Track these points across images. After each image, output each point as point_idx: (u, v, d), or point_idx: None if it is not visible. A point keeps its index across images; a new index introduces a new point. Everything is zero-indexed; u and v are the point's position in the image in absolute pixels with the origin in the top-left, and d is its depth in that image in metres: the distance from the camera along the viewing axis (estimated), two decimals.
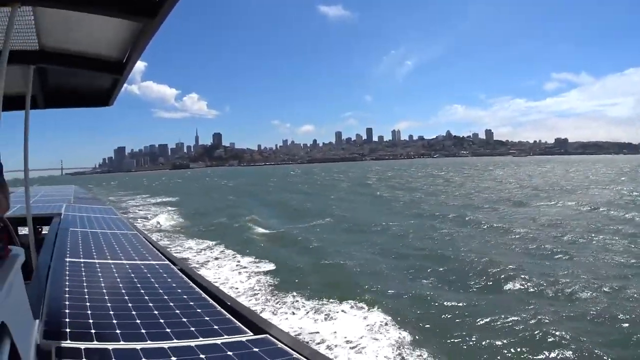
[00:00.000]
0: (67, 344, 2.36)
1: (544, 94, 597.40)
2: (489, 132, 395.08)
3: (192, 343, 2.58)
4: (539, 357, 8.81)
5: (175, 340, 2.61)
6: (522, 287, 12.75)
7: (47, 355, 2.16)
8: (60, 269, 4.15)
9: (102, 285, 3.79)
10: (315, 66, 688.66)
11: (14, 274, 1.71)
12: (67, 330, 2.57)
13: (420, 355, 8.92)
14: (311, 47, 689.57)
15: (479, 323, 10.36)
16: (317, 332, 9.97)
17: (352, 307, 11.38)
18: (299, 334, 9.73)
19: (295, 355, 2.46)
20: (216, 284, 4.69)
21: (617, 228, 21.20)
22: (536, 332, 9.61)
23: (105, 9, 3.80)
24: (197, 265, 15.64)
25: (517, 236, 20.40)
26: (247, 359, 2.38)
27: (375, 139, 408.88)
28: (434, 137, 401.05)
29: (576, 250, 17.06)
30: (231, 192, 60.43)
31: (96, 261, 4.77)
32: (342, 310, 11.19)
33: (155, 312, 3.14)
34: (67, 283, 3.66)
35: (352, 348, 9.21)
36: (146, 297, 3.48)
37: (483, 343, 9.38)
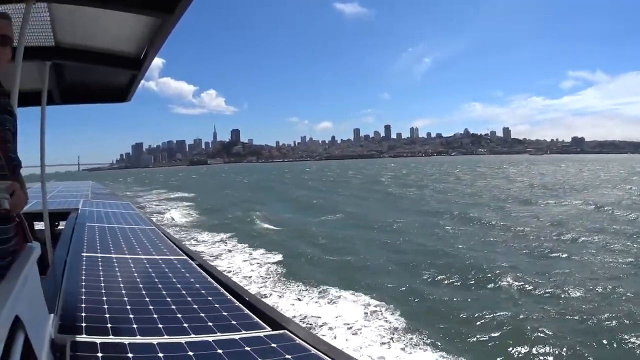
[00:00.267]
0: (83, 338, 2.34)
1: (561, 92, 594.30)
2: (506, 130, 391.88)
3: (210, 338, 2.55)
4: (521, 349, 8.99)
5: (192, 335, 2.59)
6: (514, 284, 12.83)
7: (62, 349, 2.14)
8: (76, 264, 4.15)
9: (119, 279, 3.77)
10: (333, 63, 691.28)
11: (29, 267, 1.70)
12: (83, 324, 2.55)
13: (412, 338, 9.41)
14: (329, 44, 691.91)
15: (467, 315, 10.68)
16: (319, 317, 10.53)
17: (352, 294, 12.00)
18: (304, 317, 10.46)
19: (314, 351, 2.42)
20: (234, 279, 4.68)
21: (618, 228, 20.89)
22: (522, 327, 9.83)
23: (122, 5, 3.79)
24: (210, 257, 16.13)
25: (516, 234, 20.37)
26: (264, 355, 2.34)
27: (393, 136, 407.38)
28: (452, 134, 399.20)
29: (573, 249, 16.94)
30: (245, 188, 60.84)
31: (113, 256, 4.76)
32: (344, 297, 11.85)
33: (173, 306, 3.11)
34: (83, 277, 3.66)
35: (349, 329, 9.88)
36: (164, 292, 3.46)
37: (471, 333, 9.73)
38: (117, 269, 4.17)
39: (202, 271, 4.30)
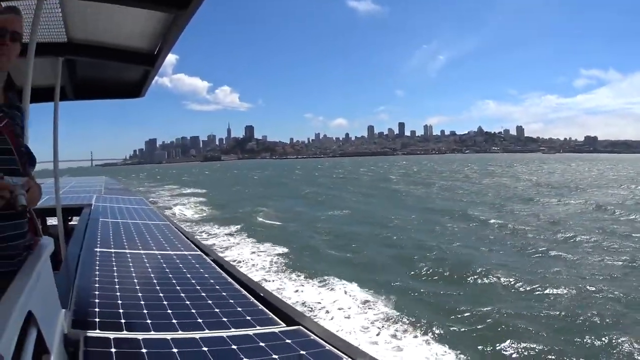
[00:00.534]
0: (96, 333, 2.34)
1: (575, 91, 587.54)
2: (520, 129, 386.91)
3: (224, 333, 2.54)
4: (507, 341, 9.09)
5: (207, 331, 2.58)
6: (502, 280, 12.98)
7: (75, 345, 2.15)
8: (89, 259, 4.17)
9: (133, 275, 3.77)
10: (347, 60, 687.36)
11: (42, 263, 1.70)
12: (96, 319, 2.56)
13: (401, 326, 9.81)
14: (342, 41, 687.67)
15: (455, 306, 11.02)
16: (319, 302, 11.26)
17: (352, 283, 12.58)
18: (304, 303, 11.17)
19: (328, 347, 2.41)
20: (250, 275, 4.69)
21: (615, 228, 20.75)
22: (506, 321, 10.00)
23: (135, 1, 3.78)
24: (219, 249, 16.72)
25: (512, 232, 20.45)
26: (279, 350, 2.33)
27: (407, 133, 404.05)
28: (466, 132, 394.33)
29: (566, 248, 16.93)
30: (255, 184, 61.33)
31: (127, 251, 4.77)
32: (343, 286, 12.42)
33: (187, 302, 3.11)
34: (96, 273, 3.67)
35: (343, 312, 10.62)
36: (178, 287, 3.45)
37: (458, 323, 10.04)
38: (130, 264, 4.17)
39: (216, 267, 4.29)
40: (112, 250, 4.70)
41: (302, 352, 2.33)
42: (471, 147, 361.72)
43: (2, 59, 1.76)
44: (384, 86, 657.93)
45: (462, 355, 8.51)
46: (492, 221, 23.13)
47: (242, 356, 2.24)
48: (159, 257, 4.63)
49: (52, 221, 9.90)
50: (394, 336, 9.32)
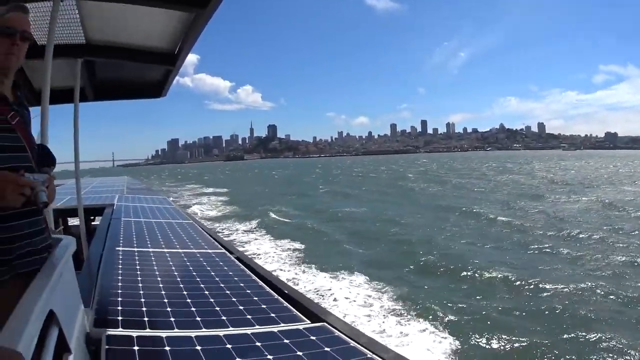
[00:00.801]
0: (119, 331, 2.34)
1: (595, 87, 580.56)
2: (541, 125, 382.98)
3: (248, 331, 2.52)
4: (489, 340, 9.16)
5: (231, 328, 2.56)
6: (503, 276, 13.10)
7: (97, 343, 2.14)
8: (112, 258, 4.17)
9: (156, 273, 3.77)
10: (368, 58, 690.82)
11: (64, 262, 1.69)
12: (119, 318, 2.56)
13: (405, 314, 10.35)
14: (363, 40, 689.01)
15: (451, 300, 11.35)
16: (330, 289, 12.10)
17: (360, 275, 13.43)
18: (317, 290, 12.05)
19: (353, 343, 2.37)
20: (275, 273, 4.69)
21: (622, 225, 20.33)
22: (500, 318, 10.19)
23: (154, 0, 3.77)
24: (239, 243, 17.71)
25: (518, 229, 20.44)
26: (303, 347, 2.30)
27: (430, 131, 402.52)
28: (488, 129, 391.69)
29: (570, 245, 16.86)
30: (275, 183, 62.23)
31: (150, 250, 4.78)
32: (352, 278, 13.21)
33: (211, 300, 3.09)
34: (119, 272, 3.66)
35: (351, 300, 11.35)
36: (202, 285, 3.44)
37: (453, 316, 10.31)
38: (154, 263, 4.17)
39: (240, 264, 4.27)
40: (135, 249, 4.71)
41: (326, 348, 2.30)
42: (493, 144, 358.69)
43: (12, 58, 1.73)
44: (406, 84, 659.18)
45: (465, 346, 8.76)
46: (500, 219, 23.19)
47: (266, 353, 2.21)
48: (182, 255, 4.63)
49: (74, 221, 10.01)
50: (399, 324, 9.84)
